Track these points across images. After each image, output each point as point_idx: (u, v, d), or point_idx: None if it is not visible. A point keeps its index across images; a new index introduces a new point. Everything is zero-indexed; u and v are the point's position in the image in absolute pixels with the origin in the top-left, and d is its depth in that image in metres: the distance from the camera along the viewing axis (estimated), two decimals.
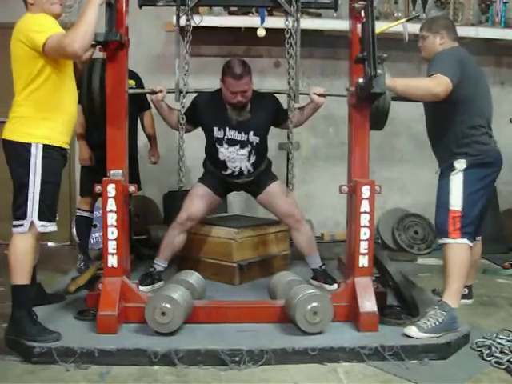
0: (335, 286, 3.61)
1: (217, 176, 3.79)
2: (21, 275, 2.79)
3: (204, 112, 3.64)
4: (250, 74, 3.54)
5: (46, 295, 3.40)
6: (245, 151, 3.67)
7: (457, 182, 3.09)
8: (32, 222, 2.80)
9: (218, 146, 3.67)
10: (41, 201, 2.81)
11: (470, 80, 3.10)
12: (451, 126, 3.14)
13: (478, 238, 3.46)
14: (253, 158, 3.70)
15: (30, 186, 2.78)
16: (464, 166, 3.09)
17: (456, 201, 3.07)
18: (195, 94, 3.64)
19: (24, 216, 2.79)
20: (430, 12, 5.22)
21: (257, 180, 3.81)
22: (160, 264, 3.76)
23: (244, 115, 3.62)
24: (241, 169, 3.72)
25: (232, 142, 3.65)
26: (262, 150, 3.78)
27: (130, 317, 3.05)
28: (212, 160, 3.80)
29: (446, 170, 3.17)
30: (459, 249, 3.06)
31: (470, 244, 3.10)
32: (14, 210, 2.83)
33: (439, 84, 2.95)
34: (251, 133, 3.65)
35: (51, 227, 2.91)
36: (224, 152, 3.67)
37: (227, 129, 3.64)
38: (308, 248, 3.80)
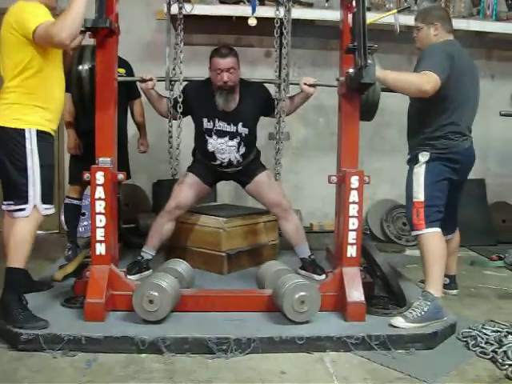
0: (324, 276, 3.62)
1: (206, 165, 3.79)
2: (17, 259, 2.79)
3: (194, 101, 3.61)
4: (237, 58, 3.55)
5: (33, 282, 3.38)
6: (234, 142, 3.67)
7: (418, 175, 3.14)
8: (35, 206, 2.81)
9: (208, 137, 3.67)
10: (42, 183, 2.82)
11: (457, 76, 3.10)
12: (428, 117, 3.16)
13: (455, 232, 3.55)
14: (242, 149, 3.71)
15: (29, 171, 2.79)
16: (427, 158, 3.13)
17: (418, 192, 3.12)
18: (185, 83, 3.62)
19: (25, 200, 2.80)
20: (421, 4, 5.20)
21: (245, 170, 3.82)
22: (148, 252, 3.75)
23: (232, 103, 3.62)
24: (230, 160, 3.72)
25: (221, 134, 3.66)
26: (251, 141, 3.79)
27: (117, 304, 3.05)
28: (201, 150, 3.80)
29: (410, 163, 3.22)
30: (430, 238, 3.09)
31: (439, 230, 3.12)
32: (15, 195, 2.83)
33: (428, 81, 2.96)
34: (240, 124, 3.65)
35: (52, 209, 2.95)
36: (213, 143, 3.67)
37: (216, 120, 3.64)
38: (296, 238, 3.80)
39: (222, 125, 3.65)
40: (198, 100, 3.63)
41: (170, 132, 3.46)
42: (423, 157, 3.13)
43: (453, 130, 3.14)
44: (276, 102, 3.46)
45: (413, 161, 3.18)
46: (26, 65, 2.76)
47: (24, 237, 2.80)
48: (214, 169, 3.79)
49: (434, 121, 3.13)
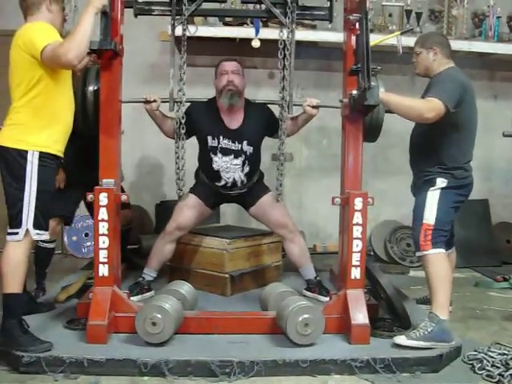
0: (329, 297, 3.59)
1: (209, 187, 3.78)
2: (13, 284, 2.76)
3: (198, 121, 3.64)
4: (242, 68, 3.69)
5: (35, 304, 3.37)
6: (238, 161, 3.67)
7: (433, 198, 3.13)
8: (27, 230, 2.78)
9: (212, 156, 3.67)
10: (36, 209, 2.79)
11: (469, 106, 3.14)
12: (441, 146, 3.16)
13: (451, 249, 3.51)
14: (246, 169, 3.70)
15: (25, 194, 2.77)
16: (445, 184, 3.14)
17: (430, 215, 3.11)
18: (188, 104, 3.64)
19: (19, 224, 2.78)
20: (424, 25, 5.26)
21: (249, 192, 3.81)
22: (149, 274, 3.74)
23: (237, 121, 3.67)
24: (234, 179, 3.70)
25: (226, 152, 3.66)
26: (256, 161, 3.79)
27: (120, 327, 3.03)
28: (205, 170, 3.78)
29: (424, 185, 3.20)
30: (435, 259, 3.08)
31: (444, 251, 3.12)
32: (10, 219, 2.81)
33: (432, 109, 2.98)
34: (245, 142, 3.66)
35: (45, 235, 2.91)
36: (218, 161, 3.67)
37: (221, 137, 3.65)
38: (302, 259, 3.78)
39: (226, 143, 3.65)
40: (202, 118, 3.66)
41: (176, 153, 3.44)
42: (442, 182, 3.13)
43: (467, 161, 3.20)
44: (281, 123, 3.46)
45: (428, 183, 3.17)
46: (33, 85, 2.76)
47: (18, 262, 2.77)
48: (216, 191, 3.77)
49: (449, 149, 3.15)
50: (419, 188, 3.23)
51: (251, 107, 3.72)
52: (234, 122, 3.68)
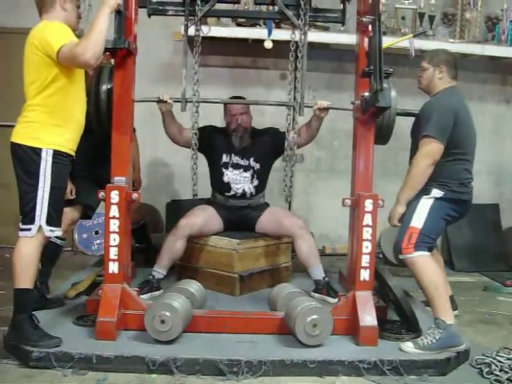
0: (337, 299, 3.59)
1: (222, 205, 4.02)
2: (24, 279, 2.78)
3: (212, 140, 3.99)
4: (248, 107, 4.01)
5: (46, 300, 3.39)
6: (248, 174, 4.01)
7: (425, 205, 3.16)
8: (40, 227, 2.80)
9: (224, 170, 4.00)
10: (49, 205, 2.81)
11: (462, 127, 3.18)
12: (442, 164, 3.18)
13: (433, 251, 3.47)
14: (255, 182, 4.02)
15: (39, 191, 2.79)
16: (440, 195, 3.16)
17: (418, 220, 3.14)
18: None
19: (32, 220, 2.80)
20: (436, 28, 5.24)
21: (255, 206, 4.06)
22: (159, 271, 3.76)
23: (245, 142, 4.02)
24: (244, 190, 4.00)
25: (236, 166, 4.01)
26: (263, 177, 4.09)
27: (129, 324, 3.05)
28: (217, 183, 4.06)
29: (419, 193, 3.21)
30: (422, 264, 3.09)
31: (428, 254, 3.13)
32: (22, 215, 2.83)
33: (431, 156, 3.11)
34: (252, 159, 4.01)
35: (58, 232, 2.93)
36: (229, 174, 4.00)
37: (232, 155, 4.01)
38: (310, 257, 3.79)
39: (237, 159, 4.01)
40: (216, 139, 4.03)
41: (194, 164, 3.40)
42: (437, 192, 3.16)
43: (467, 177, 3.24)
44: (288, 124, 3.45)
45: (423, 192, 3.19)
46: (48, 83, 2.78)
47: (29, 257, 2.79)
48: (227, 202, 4.02)
49: (449, 167, 3.18)
50: (414, 196, 3.24)
51: (257, 133, 4.10)
52: (243, 143, 4.02)
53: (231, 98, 4.08)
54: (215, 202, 4.07)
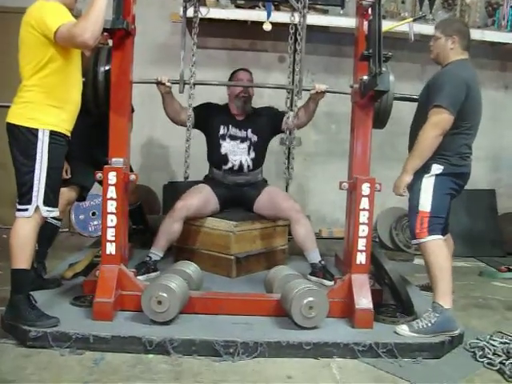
0: (334, 282, 3.61)
1: (218, 179, 4.05)
2: (22, 259, 2.79)
3: (211, 114, 4.05)
4: (252, 78, 4.13)
5: (43, 280, 3.41)
6: (244, 145, 4.03)
7: (428, 185, 3.13)
8: (37, 207, 2.80)
9: (222, 142, 4.03)
10: (46, 186, 2.81)
11: (472, 102, 3.13)
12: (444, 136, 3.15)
13: (447, 235, 3.48)
14: (252, 154, 4.03)
15: (36, 172, 2.78)
16: (440, 171, 3.12)
17: (425, 202, 3.11)
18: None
19: (29, 201, 2.79)
20: (436, 13, 5.22)
21: (254, 184, 4.10)
22: (156, 253, 3.77)
23: (244, 114, 4.08)
24: (241, 162, 4.00)
25: (233, 138, 4.04)
26: (260, 150, 4.10)
27: (126, 304, 3.06)
28: (214, 156, 4.07)
29: (419, 172, 3.17)
30: (434, 247, 3.07)
31: (441, 237, 3.12)
32: (19, 195, 2.83)
33: (441, 126, 3.04)
34: (249, 130, 4.05)
35: (55, 212, 2.93)
36: (226, 146, 4.02)
37: (230, 126, 4.05)
38: (307, 241, 3.82)
39: (234, 130, 4.05)
40: (215, 112, 4.07)
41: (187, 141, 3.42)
42: (436, 169, 3.12)
43: (467, 151, 3.19)
44: (287, 107, 3.45)
45: (423, 170, 3.15)
46: (44, 64, 2.76)
47: (26, 237, 2.79)
48: (224, 179, 4.04)
49: (450, 140, 3.13)
50: (415, 176, 3.20)
51: (256, 109, 4.16)
52: (242, 116, 4.09)
53: (238, 69, 4.14)
54: (213, 178, 4.09)
